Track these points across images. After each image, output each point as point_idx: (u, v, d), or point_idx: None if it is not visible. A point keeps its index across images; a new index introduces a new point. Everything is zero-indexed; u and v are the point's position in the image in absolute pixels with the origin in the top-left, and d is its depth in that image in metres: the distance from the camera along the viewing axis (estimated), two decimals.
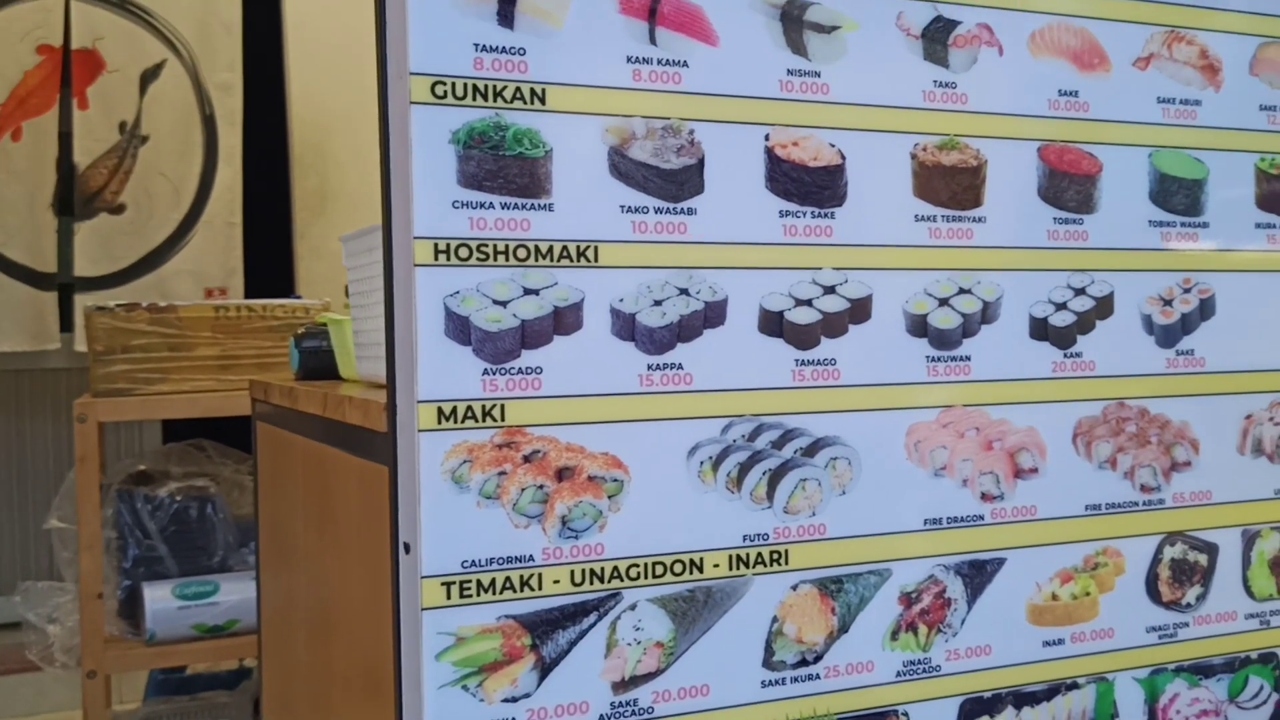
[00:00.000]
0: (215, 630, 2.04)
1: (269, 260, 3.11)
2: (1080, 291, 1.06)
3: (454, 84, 0.86)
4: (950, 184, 1.01)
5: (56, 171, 2.88)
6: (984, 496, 1.03)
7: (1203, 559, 1.11)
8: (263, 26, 3.11)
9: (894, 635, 0.99)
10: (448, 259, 0.86)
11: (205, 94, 3.02)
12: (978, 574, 1.03)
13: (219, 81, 3.03)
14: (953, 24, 1.01)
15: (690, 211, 0.93)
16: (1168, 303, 1.10)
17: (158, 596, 2.00)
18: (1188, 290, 1.10)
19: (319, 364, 1.40)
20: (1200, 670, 1.11)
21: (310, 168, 3.22)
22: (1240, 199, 1.13)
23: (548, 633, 0.88)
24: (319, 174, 3.22)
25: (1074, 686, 1.06)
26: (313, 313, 2.20)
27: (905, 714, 1.00)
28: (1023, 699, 1.04)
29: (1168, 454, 1.09)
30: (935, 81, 1.01)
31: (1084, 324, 1.06)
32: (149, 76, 2.98)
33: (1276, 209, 1.14)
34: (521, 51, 0.88)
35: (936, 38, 1.01)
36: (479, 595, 0.86)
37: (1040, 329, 1.05)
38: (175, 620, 2.00)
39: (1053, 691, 1.05)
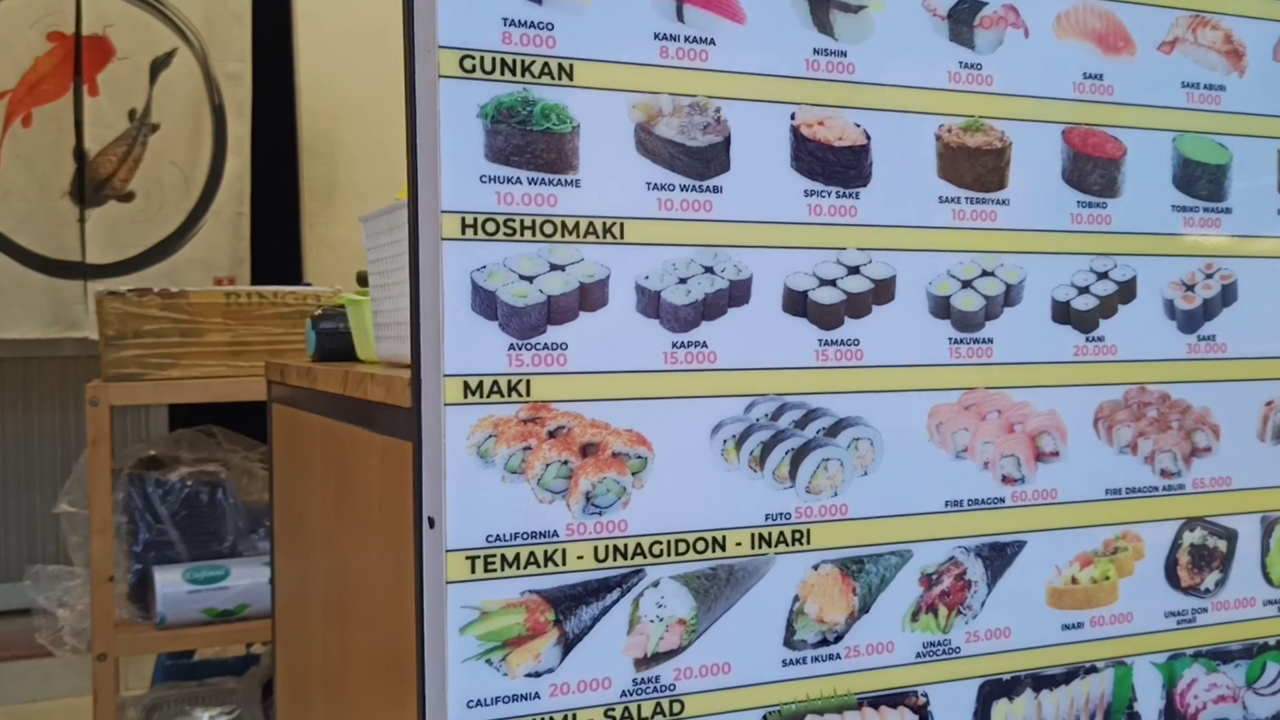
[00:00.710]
0: (225, 615, 2.04)
1: (277, 250, 3.11)
2: (1103, 275, 1.06)
3: (482, 58, 0.86)
4: (975, 166, 1.01)
5: (74, 160, 2.89)
6: (1005, 479, 1.02)
7: (1222, 545, 1.11)
8: (273, 16, 3.11)
9: (914, 616, 0.99)
10: (475, 233, 0.86)
11: (215, 83, 3.02)
12: (998, 556, 1.03)
13: (229, 71, 3.04)
14: (979, 5, 1.01)
15: (716, 189, 0.92)
16: (1190, 288, 1.09)
17: (168, 580, 2.00)
18: (1210, 276, 1.10)
19: (336, 345, 1.40)
20: (1218, 656, 1.11)
21: (319, 157, 3.22)
22: (1263, 185, 1.13)
23: (571, 608, 0.88)
24: (328, 164, 3.22)
25: (1092, 670, 1.06)
26: (323, 300, 2.20)
27: (925, 695, 1.00)
28: (1041, 682, 1.04)
29: (1188, 439, 1.09)
30: (961, 63, 1.01)
31: (1106, 308, 1.06)
32: (159, 65, 2.98)
33: None
34: (550, 26, 0.87)
35: (963, 19, 1.01)
36: (503, 570, 0.86)
37: (1062, 312, 1.05)
38: (185, 604, 2.00)
39: (1071, 675, 1.05)
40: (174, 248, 3.00)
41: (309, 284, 2.76)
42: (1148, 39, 1.08)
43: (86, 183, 2.92)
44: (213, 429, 2.38)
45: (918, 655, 1.00)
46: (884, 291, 0.98)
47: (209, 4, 3.02)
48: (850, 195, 0.97)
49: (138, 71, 2.97)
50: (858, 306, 0.97)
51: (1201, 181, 1.10)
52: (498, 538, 0.86)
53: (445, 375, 0.85)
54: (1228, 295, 1.11)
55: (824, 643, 0.96)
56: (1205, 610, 1.11)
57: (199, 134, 3.03)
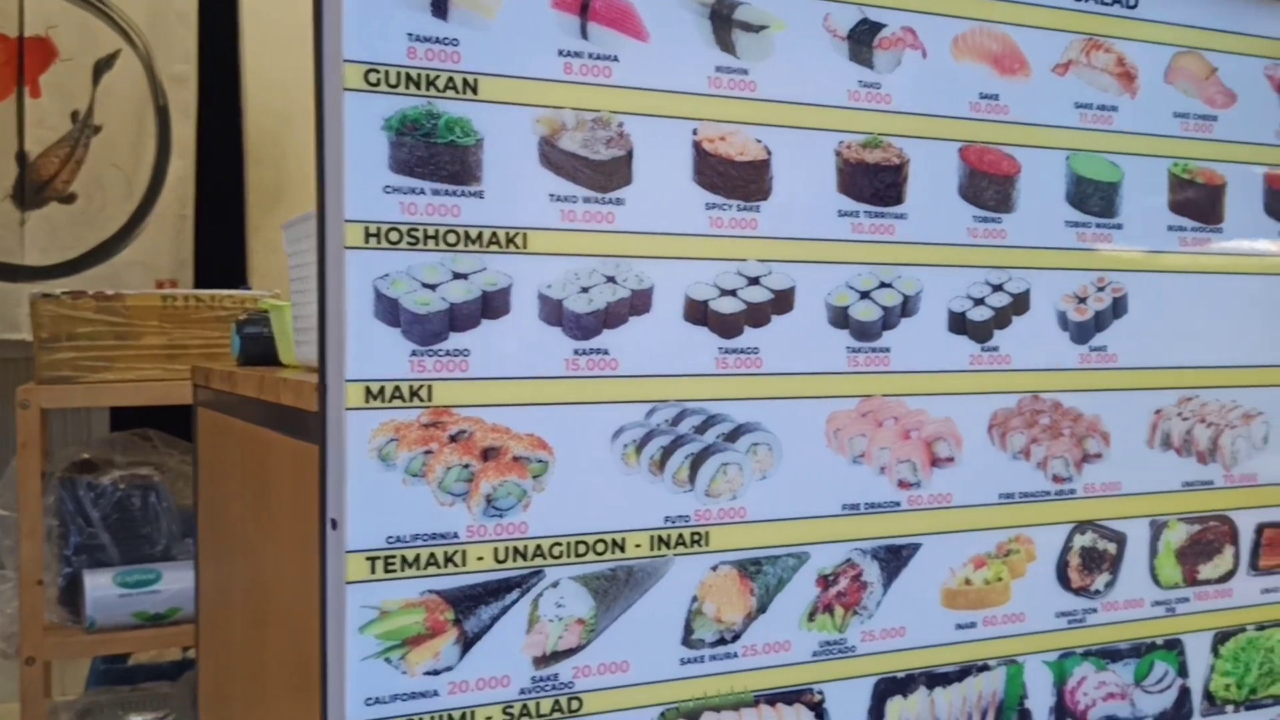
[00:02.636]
0: (157, 618, 2.04)
1: (222, 252, 3.10)
2: (998, 288, 1.10)
3: (387, 72, 0.88)
4: (873, 181, 1.05)
5: (16, 163, 2.87)
6: (901, 484, 1.06)
7: (1111, 548, 1.15)
8: (219, 17, 3.10)
9: (811, 616, 1.03)
10: (378, 242, 0.88)
11: (159, 85, 3.01)
12: (893, 558, 1.06)
13: (174, 73, 3.02)
14: (878, 26, 1.05)
15: (618, 202, 0.95)
16: (1082, 300, 1.14)
17: (98, 584, 1.99)
18: (1101, 289, 1.15)
19: (260, 350, 1.42)
20: (1107, 654, 1.15)
21: (266, 160, 3.21)
22: (1154, 202, 1.17)
23: (470, 608, 0.91)
24: (275, 166, 3.21)
25: (985, 668, 1.10)
26: (261, 303, 2.20)
27: (821, 692, 1.03)
28: (935, 679, 1.07)
29: (1079, 446, 1.14)
30: (860, 81, 1.04)
31: (1001, 319, 1.10)
32: (102, 66, 2.96)
33: (1188, 213, 1.19)
34: (455, 42, 0.90)
35: (862, 39, 1.04)
36: (403, 570, 0.88)
37: (958, 323, 1.08)
38: (116, 608, 2.00)
39: (964, 673, 1.09)
40: (115, 250, 2.98)
41: (250, 288, 2.76)
42: (1042, 61, 1.12)
43: (27, 184, 2.89)
44: (149, 432, 2.37)
45: (814, 654, 1.03)
46: (783, 302, 1.02)
47: (154, 5, 3.00)
48: (751, 208, 1.00)
49: (80, 73, 2.95)
50: (757, 316, 1.00)
51: (1094, 198, 1.14)
52: (398, 539, 0.88)
53: (347, 380, 0.87)
54: (1118, 308, 1.15)
55: (721, 642, 0.99)
56: (1095, 610, 1.15)
57: (142, 136, 3.01)
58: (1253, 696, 1.21)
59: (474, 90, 0.91)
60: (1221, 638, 1.20)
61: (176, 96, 3.04)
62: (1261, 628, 1.22)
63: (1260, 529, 1.22)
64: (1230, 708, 1.20)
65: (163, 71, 3.03)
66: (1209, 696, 1.19)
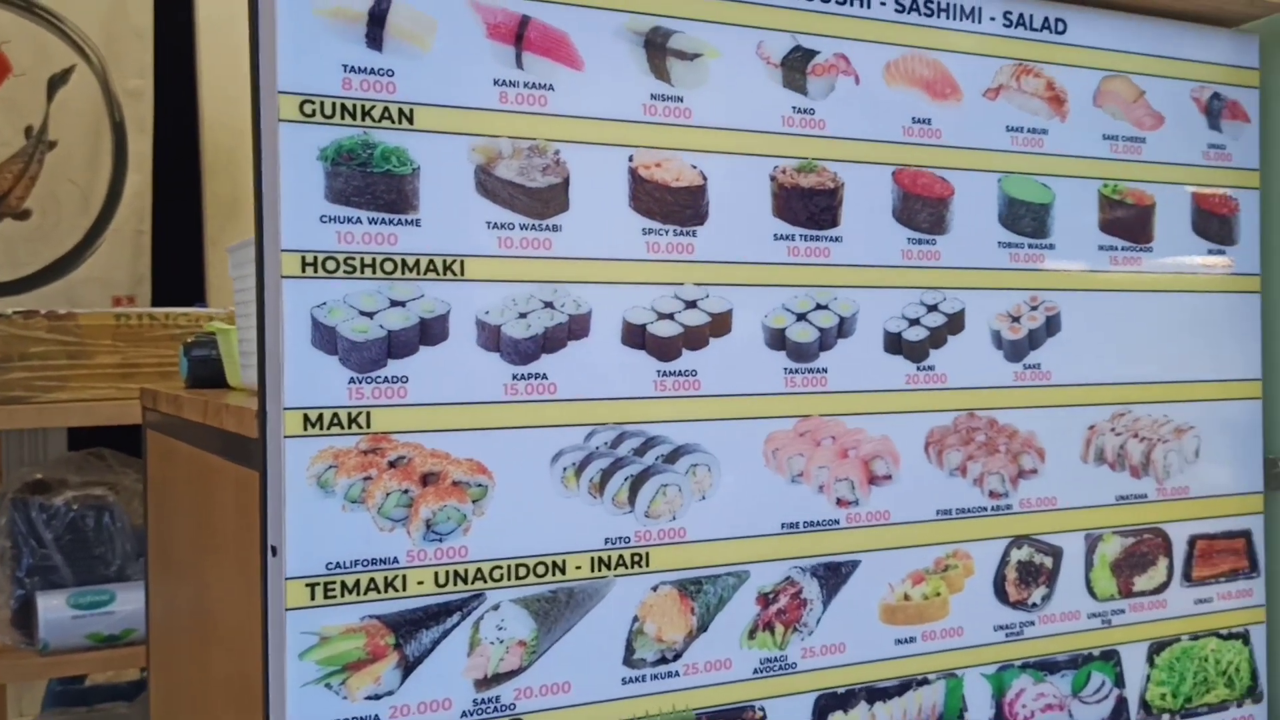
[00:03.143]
0: (111, 640, 2.02)
1: (180, 268, 3.08)
2: (933, 308, 1.12)
3: (322, 103, 0.89)
4: (808, 205, 1.07)
5: None
6: (839, 502, 1.08)
7: (1048, 561, 1.18)
8: (175, 32, 3.09)
9: (751, 634, 1.04)
10: (315, 271, 0.89)
11: (115, 100, 2.99)
12: (833, 575, 1.08)
13: (129, 88, 3.01)
14: (811, 54, 1.07)
15: (555, 228, 0.97)
16: (1016, 319, 1.16)
17: (51, 606, 1.98)
18: (1035, 308, 1.17)
19: (208, 372, 1.42)
20: (1045, 666, 1.18)
21: (223, 174, 3.20)
22: (1085, 222, 1.20)
23: (411, 632, 0.91)
24: (231, 180, 3.20)
25: (925, 682, 1.12)
26: (207, 325, 2.20)
27: (762, 710, 1.04)
28: (875, 694, 1.09)
29: (1015, 462, 1.16)
30: (794, 107, 1.06)
31: (936, 339, 1.12)
32: (57, 82, 2.94)
33: (1118, 232, 1.21)
34: (390, 73, 0.91)
35: (795, 66, 1.06)
36: (343, 596, 0.89)
37: (894, 343, 1.11)
38: (69, 630, 1.98)
39: (904, 687, 1.11)
40: (72, 266, 2.96)
41: (207, 304, 2.75)
42: (974, 86, 1.15)
43: None
44: (103, 452, 2.36)
45: (755, 671, 1.04)
46: (721, 324, 1.03)
47: (109, 20, 2.99)
48: (688, 233, 1.02)
49: (34, 88, 2.93)
50: (695, 339, 1.02)
51: (1026, 219, 1.17)
52: (338, 565, 0.89)
53: (285, 408, 0.87)
54: (1051, 326, 1.18)
55: (663, 661, 1.01)
56: (1033, 623, 1.17)
57: (98, 151, 2.99)
58: (1188, 705, 1.24)
59: (410, 120, 0.92)
60: (1157, 648, 1.23)
61: (132, 111, 3.03)
62: (1195, 637, 1.25)
63: (1192, 541, 1.25)
64: (1166, 716, 1.23)
65: (118, 86, 3.01)
66: (1145, 706, 1.22)
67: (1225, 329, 1.27)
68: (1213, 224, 1.26)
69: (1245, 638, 1.28)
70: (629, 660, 0.99)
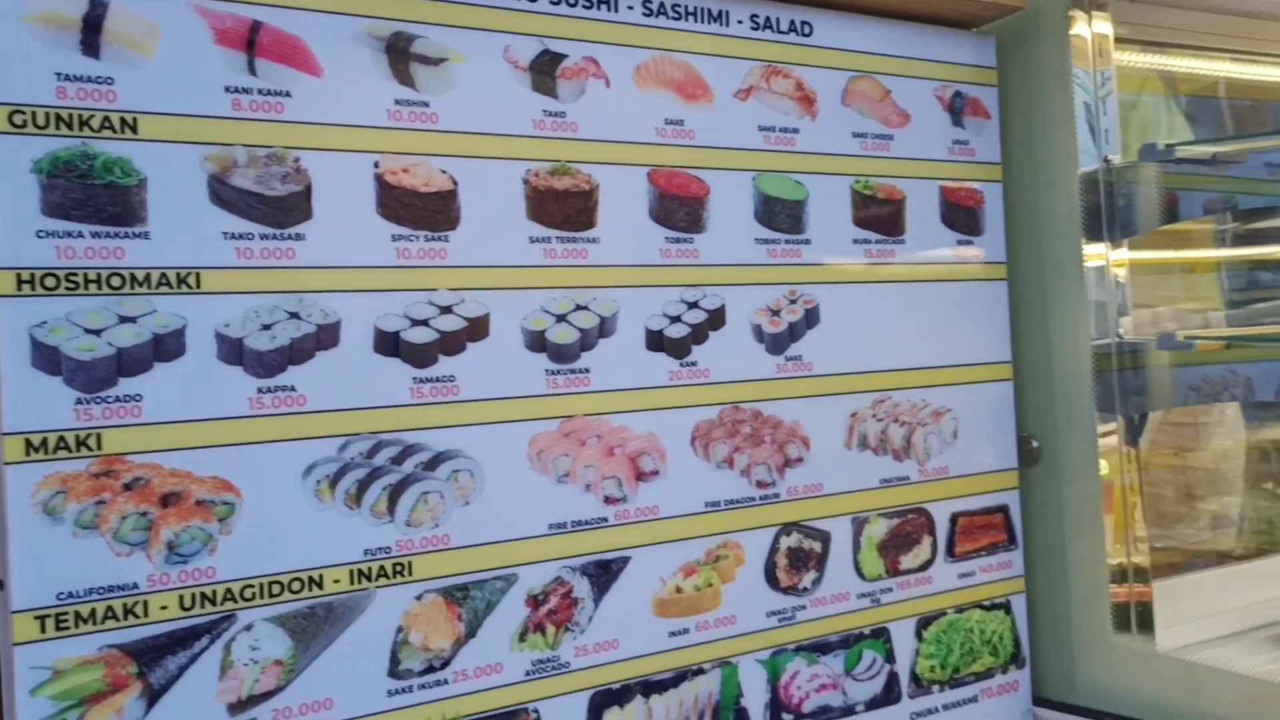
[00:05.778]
0: None
1: None
2: (693, 305, 1.15)
3: (34, 113, 0.85)
4: (563, 207, 1.08)
5: None
6: (607, 500, 1.09)
7: (817, 546, 1.22)
8: None
9: (522, 636, 1.04)
10: (33, 289, 0.85)
11: None
12: (603, 573, 1.09)
13: None
14: (560, 57, 1.08)
15: (298, 237, 0.95)
16: (776, 313, 1.20)
17: None
18: (794, 301, 1.21)
19: None
20: (818, 648, 1.21)
21: None
22: (838, 217, 1.24)
23: (155, 659, 0.88)
24: None
25: (700, 672, 1.14)
26: None
27: (536, 711, 1.05)
28: (651, 687, 1.11)
29: (781, 452, 1.19)
30: (545, 111, 1.07)
31: (698, 335, 1.15)
32: None
33: (872, 226, 1.26)
34: (109, 80, 0.88)
35: (544, 70, 1.07)
36: (78, 627, 0.85)
37: (656, 341, 1.12)
38: None
39: (679, 678, 1.13)
40: None
41: None
42: (725, 87, 1.18)
43: None
44: None
45: (527, 673, 1.05)
46: (478, 329, 1.03)
47: None
48: (440, 238, 1.01)
49: None
50: (451, 344, 1.02)
51: (781, 216, 1.20)
52: (70, 595, 0.85)
53: (4, 434, 0.83)
54: (811, 318, 1.22)
55: (430, 670, 1.00)
56: (804, 607, 1.21)
57: None
58: (956, 675, 1.30)
59: (133, 129, 0.89)
60: (924, 623, 1.29)
61: None
62: (960, 610, 1.31)
63: (954, 518, 1.31)
64: (936, 687, 1.29)
65: None
66: (915, 679, 1.27)
67: (977, 315, 1.34)
68: (960, 216, 1.33)
69: (1007, 607, 1.35)
70: (394, 671, 0.98)
